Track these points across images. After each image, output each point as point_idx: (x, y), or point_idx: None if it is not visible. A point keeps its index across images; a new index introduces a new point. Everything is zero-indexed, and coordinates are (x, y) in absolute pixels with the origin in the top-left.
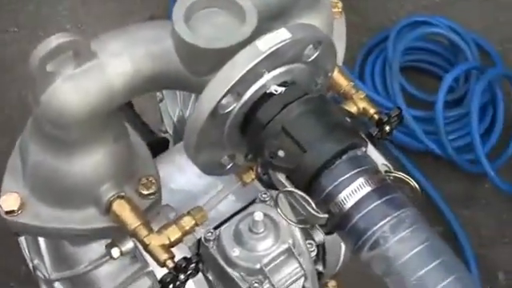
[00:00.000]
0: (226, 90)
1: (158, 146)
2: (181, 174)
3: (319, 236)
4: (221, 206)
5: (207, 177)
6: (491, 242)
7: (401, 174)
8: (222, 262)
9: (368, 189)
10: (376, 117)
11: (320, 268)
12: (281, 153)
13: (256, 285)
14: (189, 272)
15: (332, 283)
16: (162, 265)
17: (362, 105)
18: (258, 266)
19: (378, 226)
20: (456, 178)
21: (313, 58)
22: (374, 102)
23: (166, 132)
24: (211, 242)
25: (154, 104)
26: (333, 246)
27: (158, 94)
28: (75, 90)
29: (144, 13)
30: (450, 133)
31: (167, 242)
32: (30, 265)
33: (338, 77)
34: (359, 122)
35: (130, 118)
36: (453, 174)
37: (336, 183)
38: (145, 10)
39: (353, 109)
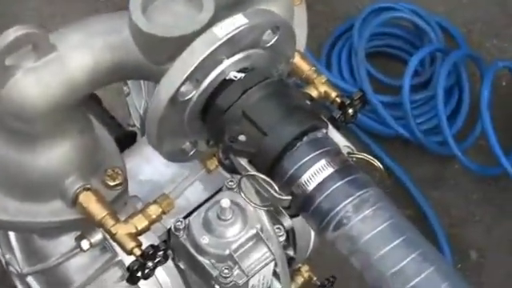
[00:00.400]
0: (184, 78)
1: (126, 140)
2: (148, 165)
3: (288, 221)
4: (190, 195)
5: (174, 166)
6: (462, 222)
7: (364, 155)
8: (193, 250)
9: (330, 170)
10: (338, 100)
11: (291, 253)
12: (242, 137)
13: (226, 271)
14: (157, 259)
15: (305, 268)
16: (129, 253)
17: (324, 89)
18: (227, 253)
19: (341, 206)
20: (425, 161)
21: (271, 43)
22: (341, 90)
23: (134, 125)
24: (181, 231)
25: (123, 99)
26: (303, 231)
27: (124, 88)
28: (36, 83)
29: (110, 12)
30: (418, 116)
31: (134, 231)
32: (3, 260)
33: (299, 62)
34: (320, 104)
35: (98, 113)
36: (422, 156)
37: (298, 165)
38: (111, 9)
39: (314, 93)
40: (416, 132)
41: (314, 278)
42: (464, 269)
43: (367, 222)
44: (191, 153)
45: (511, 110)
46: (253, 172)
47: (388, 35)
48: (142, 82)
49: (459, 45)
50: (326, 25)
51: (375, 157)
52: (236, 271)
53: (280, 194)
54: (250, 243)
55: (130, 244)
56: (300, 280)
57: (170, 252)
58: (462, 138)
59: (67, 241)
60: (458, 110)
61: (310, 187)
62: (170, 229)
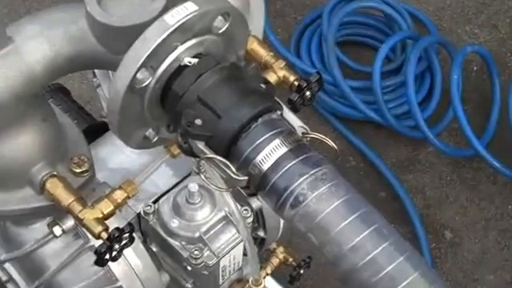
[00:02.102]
0: (138, 65)
1: (99, 130)
2: (119, 154)
3: (256, 202)
4: (159, 181)
5: (145, 154)
6: (437, 203)
7: (317, 135)
8: (163, 233)
9: (284, 149)
10: (296, 83)
11: (262, 234)
12: (198, 121)
13: (196, 252)
14: (123, 242)
15: (280, 249)
16: (97, 237)
17: (282, 73)
18: (197, 235)
19: (296, 184)
20: (398, 145)
21: (223, 29)
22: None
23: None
24: (151, 215)
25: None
26: (272, 212)
27: (94, 79)
28: None
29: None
30: (390, 101)
31: (100, 215)
32: None
33: (257, 48)
34: (274, 87)
35: (67, 104)
36: (395, 140)
37: (253, 146)
38: None
39: (273, 78)
40: (387, 116)
41: (290, 259)
42: (438, 248)
43: (323, 199)
44: (154, 139)
45: (482, 93)
46: (210, 155)
47: (359, 24)
48: (110, 72)
49: (430, 32)
50: (295, 13)
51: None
52: (206, 252)
53: (237, 175)
54: (220, 225)
55: (97, 228)
56: (276, 261)
57: (140, 236)
58: (436, 121)
59: (40, 228)
60: (430, 95)
61: (265, 166)
62: (139, 213)
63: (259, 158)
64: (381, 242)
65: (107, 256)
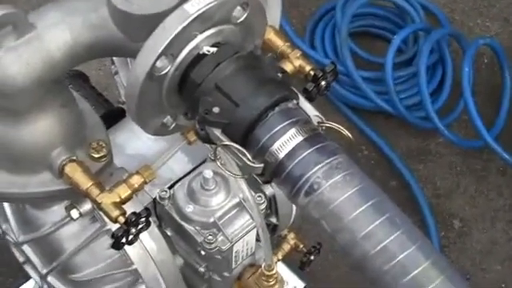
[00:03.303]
0: (158, 53)
1: (116, 116)
2: (136, 140)
3: (269, 189)
4: (175, 166)
5: (162, 140)
6: (446, 193)
7: (333, 124)
8: (178, 218)
9: (300, 138)
10: (312, 73)
11: (274, 220)
12: (215, 109)
13: (210, 237)
14: (139, 226)
15: (291, 236)
16: (114, 221)
17: (298, 63)
18: (211, 220)
19: (311, 172)
20: (409, 135)
21: (242, 19)
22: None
23: (124, 103)
24: (166, 201)
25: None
26: (284, 199)
27: (112, 66)
28: (16, 61)
29: None
30: (401, 92)
31: (118, 200)
32: (0, 230)
33: (274, 38)
34: (291, 76)
35: (86, 90)
36: (405, 131)
37: (269, 135)
38: None
39: (289, 67)
40: (399, 106)
41: (301, 246)
42: (447, 237)
43: (337, 188)
44: (172, 126)
45: (493, 85)
46: (226, 142)
47: (372, 15)
48: (128, 60)
49: (442, 24)
50: (310, 5)
51: (363, 134)
52: (220, 238)
53: (253, 163)
54: (234, 211)
55: (115, 212)
56: (287, 247)
57: (155, 220)
58: (446, 112)
59: (58, 210)
60: (441, 86)
61: (281, 155)
62: (155, 198)
63: (275, 146)
64: (393, 230)
65: (124, 240)
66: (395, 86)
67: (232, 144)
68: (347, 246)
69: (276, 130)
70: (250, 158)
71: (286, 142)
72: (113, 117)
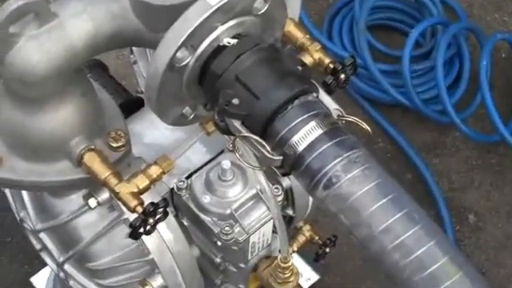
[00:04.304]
0: (178, 44)
1: (135, 106)
2: (154, 129)
3: (287, 181)
4: (192, 157)
5: (179, 130)
6: (462, 187)
7: (352, 118)
8: (195, 209)
9: (319, 131)
10: (331, 66)
11: (290, 212)
12: (235, 101)
13: (227, 228)
14: (157, 216)
15: (306, 227)
16: (132, 211)
17: (318, 55)
18: (228, 211)
19: (330, 166)
20: (425, 129)
21: (263, 10)
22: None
23: (142, 92)
24: (183, 191)
25: (134, 70)
26: (301, 190)
27: (131, 56)
28: (38, 49)
29: None
30: (418, 86)
31: (136, 190)
32: (18, 217)
33: (293, 30)
34: (311, 69)
35: (105, 79)
36: (422, 124)
37: (289, 127)
38: None
39: (309, 60)
40: (415, 100)
41: (316, 238)
42: (462, 231)
43: (356, 182)
44: (191, 117)
45: (509, 80)
46: (246, 133)
47: (390, 9)
48: (147, 49)
49: (460, 18)
50: None
51: (379, 126)
52: (237, 229)
53: (272, 155)
54: (251, 203)
55: (133, 202)
56: (302, 239)
57: (172, 210)
58: (463, 106)
59: (76, 199)
60: (458, 81)
61: (301, 148)
62: (172, 188)
63: (295, 139)
64: (411, 225)
65: (141, 230)
66: (412, 80)
67: (251, 136)
68: (365, 240)
69: (296, 122)
70: (269, 150)
71: (306, 135)
72: (131, 106)
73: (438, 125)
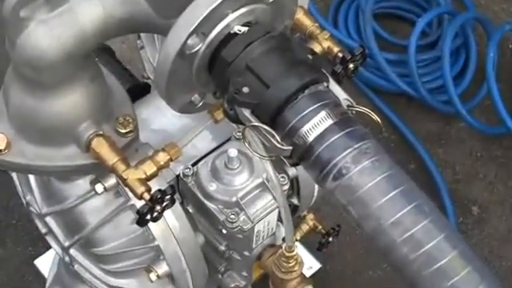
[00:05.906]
0: (190, 31)
1: (141, 91)
2: (161, 116)
3: (292, 170)
4: (199, 144)
5: (186, 117)
6: (466, 178)
7: (362, 108)
8: (201, 196)
9: (330, 122)
10: (340, 55)
11: (295, 201)
12: (245, 89)
13: (232, 216)
14: (164, 203)
15: (310, 216)
16: (140, 197)
17: (327, 44)
18: (234, 199)
19: (340, 156)
20: (430, 119)
21: None
22: (347, 48)
23: (149, 78)
24: (189, 178)
25: (139, 55)
26: (307, 180)
27: (138, 41)
28: (48, 33)
29: None
30: (424, 75)
31: (143, 176)
32: (24, 201)
33: (303, 18)
34: (321, 58)
35: (112, 64)
36: (427, 114)
37: (299, 117)
38: None
39: (318, 48)
40: (421, 89)
41: (319, 227)
42: (465, 223)
43: (365, 173)
44: (199, 104)
45: None
46: (256, 123)
47: None
48: (155, 35)
49: (467, 8)
50: None
51: (383, 115)
52: (242, 217)
53: (281, 145)
54: (256, 191)
55: (140, 189)
56: (305, 228)
57: (178, 197)
58: (468, 97)
59: (83, 184)
60: (464, 71)
61: (311, 138)
62: (178, 175)
63: (305, 129)
64: (421, 219)
65: (148, 216)
66: (418, 69)
67: (261, 125)
68: (374, 232)
69: (306, 112)
70: (279, 139)
71: (316, 125)
72: (137, 92)
73: (443, 115)
